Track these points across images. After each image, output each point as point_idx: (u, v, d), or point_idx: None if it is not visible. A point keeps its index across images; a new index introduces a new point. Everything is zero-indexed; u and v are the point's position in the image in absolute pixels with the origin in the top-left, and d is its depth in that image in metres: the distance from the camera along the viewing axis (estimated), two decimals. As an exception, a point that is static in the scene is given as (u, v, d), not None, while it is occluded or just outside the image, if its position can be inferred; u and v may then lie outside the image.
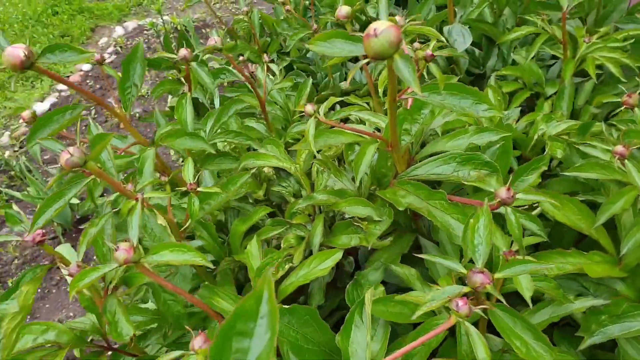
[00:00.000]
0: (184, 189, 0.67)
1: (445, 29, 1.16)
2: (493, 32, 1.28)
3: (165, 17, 3.31)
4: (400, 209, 0.64)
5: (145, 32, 3.28)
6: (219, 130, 0.90)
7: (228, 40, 1.41)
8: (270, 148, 0.79)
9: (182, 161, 1.03)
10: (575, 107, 1.09)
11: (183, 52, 0.76)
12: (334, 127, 0.65)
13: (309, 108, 0.63)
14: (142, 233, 0.63)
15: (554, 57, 1.26)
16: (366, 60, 0.46)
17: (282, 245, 0.70)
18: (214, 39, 0.80)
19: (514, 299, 0.61)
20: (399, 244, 0.73)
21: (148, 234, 0.66)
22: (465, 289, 0.46)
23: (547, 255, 0.66)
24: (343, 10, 0.87)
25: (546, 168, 0.78)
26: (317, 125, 0.62)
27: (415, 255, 0.66)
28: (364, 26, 1.44)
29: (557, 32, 1.06)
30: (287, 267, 0.64)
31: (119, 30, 3.20)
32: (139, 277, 0.61)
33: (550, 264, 0.48)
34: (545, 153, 0.86)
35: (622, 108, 0.73)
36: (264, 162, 0.75)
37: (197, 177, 0.68)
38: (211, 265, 0.53)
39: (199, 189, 0.65)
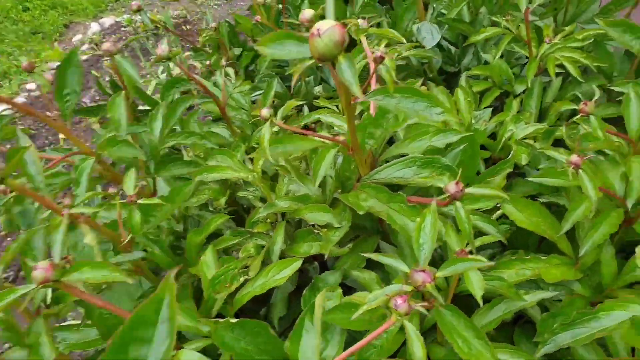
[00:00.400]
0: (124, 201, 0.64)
1: (415, 26, 1.16)
2: (469, 31, 1.28)
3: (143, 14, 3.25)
4: (360, 212, 0.64)
5: (122, 28, 3.22)
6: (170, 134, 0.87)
7: (175, 47, 1.38)
8: (221, 159, 0.77)
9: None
10: (543, 105, 1.10)
11: (106, 45, 0.74)
12: (294, 132, 0.64)
13: (265, 112, 0.62)
14: (72, 252, 0.61)
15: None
16: (311, 62, 0.44)
17: (240, 255, 0.69)
18: (162, 48, 0.77)
19: (470, 300, 0.61)
20: (362, 249, 0.72)
21: (79, 252, 0.63)
22: (407, 288, 0.45)
23: (507, 263, 0.66)
24: (306, 14, 0.84)
25: (511, 170, 0.78)
26: (274, 130, 0.61)
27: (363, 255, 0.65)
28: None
29: (524, 32, 1.06)
30: (242, 279, 0.63)
31: (94, 27, 3.14)
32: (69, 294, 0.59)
33: (489, 262, 0.48)
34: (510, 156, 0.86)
35: (579, 116, 0.72)
36: (218, 174, 0.73)
37: (136, 188, 0.66)
38: (130, 281, 0.49)
39: (138, 201, 0.63)
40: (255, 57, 1.49)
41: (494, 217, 0.71)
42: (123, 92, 0.72)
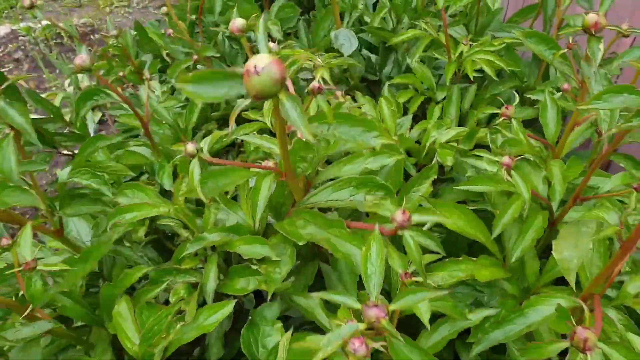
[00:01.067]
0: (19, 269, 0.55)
1: (332, 34, 1.16)
2: (390, 39, 1.30)
3: (44, 22, 2.99)
4: (300, 243, 0.60)
5: (20, 38, 2.95)
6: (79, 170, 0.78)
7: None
8: (132, 194, 0.69)
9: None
10: (462, 111, 1.14)
11: None
12: (225, 164, 0.59)
13: (191, 147, 0.56)
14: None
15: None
16: (248, 101, 0.40)
17: (170, 298, 0.63)
18: (82, 57, 0.68)
19: (414, 319, 0.61)
20: (303, 277, 0.68)
21: None
22: (362, 326, 0.43)
23: (440, 265, 0.67)
24: (237, 22, 0.80)
25: (436, 176, 0.80)
26: (202, 166, 0.56)
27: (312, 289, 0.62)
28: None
29: (442, 37, 1.09)
30: (178, 326, 0.57)
31: (-13, 36, 2.84)
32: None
33: (442, 291, 0.48)
34: (434, 161, 0.88)
35: (501, 119, 0.75)
36: (135, 213, 0.65)
37: (35, 251, 0.56)
38: None
39: (39, 268, 0.54)
40: (167, 65, 1.41)
41: (427, 226, 0.71)
42: (11, 134, 0.59)
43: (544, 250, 0.79)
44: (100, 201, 0.68)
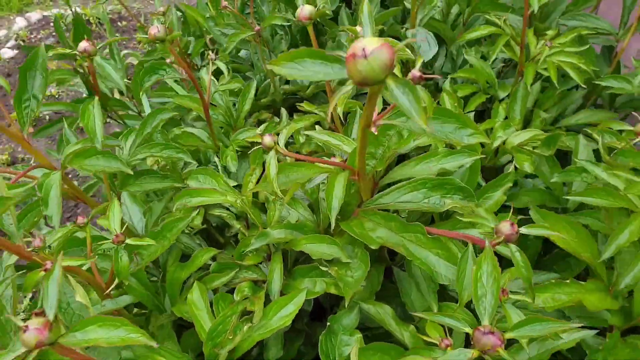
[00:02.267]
0: (108, 240, 0.54)
1: (409, 32, 1.08)
2: (443, 30, 1.23)
3: (75, 8, 2.99)
4: (373, 247, 0.55)
5: (51, 24, 2.96)
6: (142, 145, 0.76)
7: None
8: (203, 179, 0.66)
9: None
10: (525, 111, 1.07)
11: (83, 44, 0.63)
12: (298, 160, 0.54)
13: (268, 139, 0.52)
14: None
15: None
16: (349, 87, 0.37)
17: (235, 296, 0.58)
18: (157, 27, 0.66)
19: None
20: (370, 281, 0.64)
21: (62, 311, 0.53)
22: (473, 354, 0.39)
23: (542, 287, 0.61)
24: (306, 10, 0.76)
25: (512, 185, 0.73)
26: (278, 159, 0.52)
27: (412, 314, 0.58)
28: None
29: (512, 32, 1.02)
30: (245, 327, 0.53)
31: (20, 22, 2.84)
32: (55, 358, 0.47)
33: (568, 324, 0.42)
34: (510, 167, 0.81)
35: (638, 139, 0.67)
36: (203, 198, 0.63)
37: (124, 226, 0.55)
38: (155, 345, 0.43)
39: (127, 242, 0.52)
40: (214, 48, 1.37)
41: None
42: (96, 98, 0.60)
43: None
44: (168, 178, 0.65)
